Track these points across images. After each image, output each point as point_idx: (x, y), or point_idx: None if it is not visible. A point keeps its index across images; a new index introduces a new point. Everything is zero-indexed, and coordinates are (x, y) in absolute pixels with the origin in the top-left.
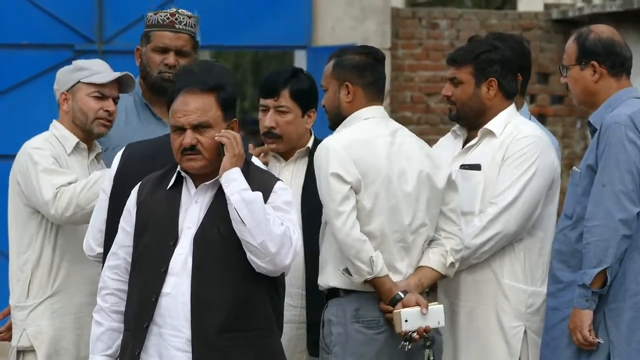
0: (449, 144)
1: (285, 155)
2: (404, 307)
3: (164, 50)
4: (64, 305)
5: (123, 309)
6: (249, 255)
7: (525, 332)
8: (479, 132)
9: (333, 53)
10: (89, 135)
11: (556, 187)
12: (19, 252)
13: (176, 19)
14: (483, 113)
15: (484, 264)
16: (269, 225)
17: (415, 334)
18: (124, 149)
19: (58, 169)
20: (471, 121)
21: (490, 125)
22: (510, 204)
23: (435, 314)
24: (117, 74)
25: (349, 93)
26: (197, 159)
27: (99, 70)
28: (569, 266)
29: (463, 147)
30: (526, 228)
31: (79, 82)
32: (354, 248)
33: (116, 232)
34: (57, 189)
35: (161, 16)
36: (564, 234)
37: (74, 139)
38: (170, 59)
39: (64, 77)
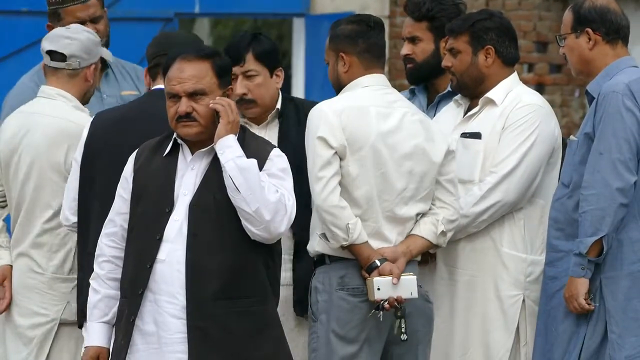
0: (451, 112)
1: (257, 120)
2: (379, 275)
3: (81, 23)
4: None
5: (119, 276)
6: (244, 223)
7: (523, 301)
8: (480, 101)
9: (331, 26)
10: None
11: (557, 156)
12: (57, 222)
13: None
14: (482, 81)
15: (483, 233)
16: (263, 193)
17: (386, 303)
18: (93, 117)
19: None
20: (471, 90)
21: (491, 94)
22: (509, 173)
23: (408, 285)
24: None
25: (345, 63)
26: (193, 125)
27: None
28: (566, 235)
29: (464, 116)
30: (526, 197)
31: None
32: (329, 213)
33: (87, 198)
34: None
35: None
36: (561, 203)
37: (86, 110)
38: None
39: (95, 48)
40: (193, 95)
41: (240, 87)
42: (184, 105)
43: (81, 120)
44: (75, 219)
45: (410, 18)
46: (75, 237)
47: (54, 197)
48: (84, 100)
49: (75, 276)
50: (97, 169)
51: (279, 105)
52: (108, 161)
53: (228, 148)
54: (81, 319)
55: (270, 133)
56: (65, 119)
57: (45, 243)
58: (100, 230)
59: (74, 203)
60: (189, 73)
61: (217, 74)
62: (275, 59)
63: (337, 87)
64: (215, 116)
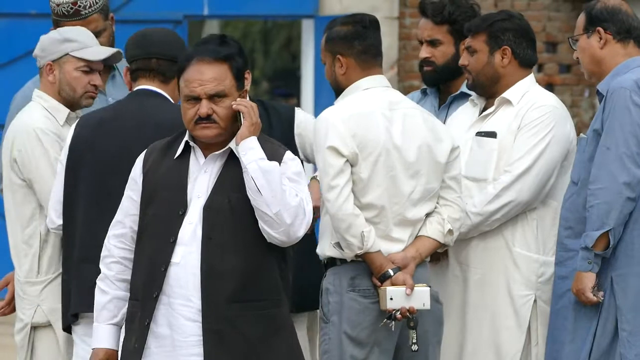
0: (467, 112)
1: None
2: (392, 284)
3: None
4: None
5: (128, 277)
6: (263, 225)
7: (535, 301)
8: (496, 101)
9: (326, 25)
10: (75, 107)
11: (571, 158)
12: (21, 225)
13: (79, 6)
14: (497, 81)
15: (496, 232)
16: (284, 196)
17: (398, 313)
18: (77, 120)
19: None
20: (487, 89)
21: (507, 94)
22: (524, 172)
23: (421, 296)
24: (109, 51)
25: (342, 65)
26: (212, 127)
27: (88, 44)
28: (576, 233)
29: (480, 115)
30: (540, 197)
31: (67, 54)
32: (345, 222)
33: (72, 201)
34: None
35: (64, 7)
36: (571, 201)
37: (65, 110)
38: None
39: (52, 46)
40: (213, 97)
41: None
42: (204, 107)
43: (23, 120)
44: (60, 221)
45: (429, 21)
46: (37, 239)
47: (11, 193)
48: (73, 103)
49: (43, 279)
50: (81, 171)
51: None
52: (93, 163)
53: (250, 150)
54: (67, 320)
55: None
56: (20, 118)
57: (15, 245)
58: (89, 230)
59: (58, 205)
60: (210, 75)
61: (235, 76)
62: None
63: (336, 88)
64: (236, 118)
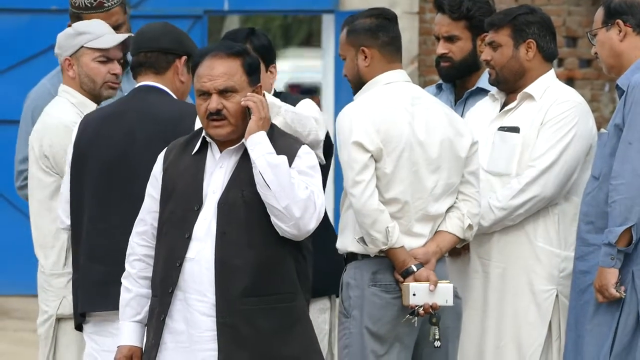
0: (487, 107)
1: None
2: (415, 280)
3: None
4: None
5: (151, 274)
6: (274, 219)
7: (557, 296)
8: (519, 96)
9: (345, 20)
10: (98, 99)
11: (593, 153)
12: (51, 218)
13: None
14: (522, 75)
15: (518, 226)
16: (293, 189)
17: (421, 309)
18: (81, 119)
19: None
20: (510, 84)
21: (529, 89)
22: (548, 167)
23: (444, 293)
24: (121, 37)
25: (366, 57)
26: (223, 125)
27: (100, 33)
28: (597, 228)
29: (501, 109)
30: (563, 192)
31: (82, 47)
32: (370, 217)
33: (78, 200)
34: None
35: None
36: (592, 196)
37: (92, 105)
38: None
39: (66, 41)
40: (223, 92)
41: None
42: (214, 102)
43: (54, 115)
44: (69, 221)
45: (446, 17)
46: (67, 234)
47: (39, 189)
48: (95, 95)
49: (69, 270)
50: (86, 169)
51: None
52: (97, 160)
53: (258, 144)
54: (77, 319)
55: None
56: (49, 114)
57: (38, 239)
58: (94, 228)
59: (67, 205)
60: (220, 70)
61: (247, 72)
62: (272, 55)
63: (357, 82)
64: (245, 113)
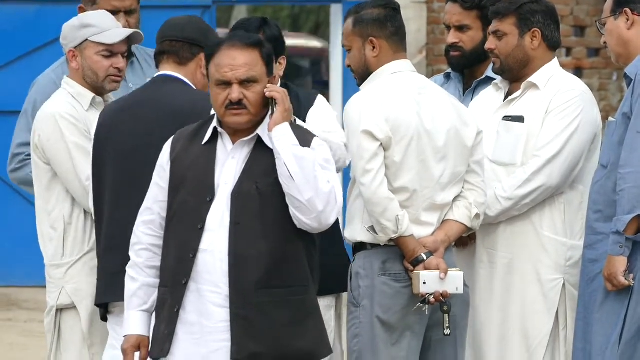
0: (490, 96)
1: None
2: (424, 269)
3: (113, 12)
4: None
5: (158, 264)
6: (294, 212)
7: (563, 285)
8: (523, 85)
9: (349, 11)
10: (101, 91)
11: (598, 142)
12: (47, 210)
13: None
14: (527, 64)
15: (523, 216)
16: (317, 183)
17: (431, 297)
18: (102, 109)
19: (86, 144)
20: (515, 73)
21: (533, 78)
22: (554, 157)
23: (454, 280)
24: (126, 33)
25: (374, 48)
26: (243, 113)
27: (106, 27)
28: (605, 217)
29: (505, 99)
30: (568, 181)
31: (86, 40)
32: (380, 206)
33: (99, 189)
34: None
35: None
36: (600, 185)
37: (89, 95)
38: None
39: (71, 33)
40: (245, 82)
41: None
42: (236, 92)
43: (49, 107)
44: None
45: (458, 6)
46: (62, 223)
47: (37, 180)
48: (97, 88)
49: (67, 260)
50: (106, 159)
51: None
52: (116, 150)
53: (284, 136)
54: (102, 311)
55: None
56: (45, 106)
57: (41, 230)
58: (112, 218)
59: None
60: (242, 61)
61: (265, 62)
62: (282, 46)
63: (363, 73)
64: (268, 104)
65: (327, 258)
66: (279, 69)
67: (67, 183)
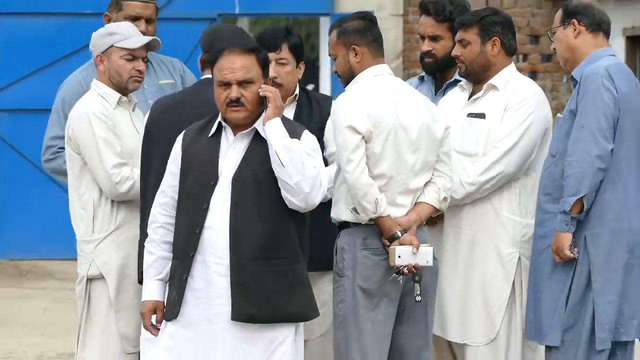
0: (457, 96)
1: None
2: (400, 244)
3: (136, 18)
4: (127, 237)
5: (171, 239)
6: (284, 194)
7: (519, 258)
8: (484, 86)
9: (333, 24)
10: (125, 91)
11: (548, 135)
12: (78, 194)
13: None
14: (488, 68)
15: (485, 199)
16: (304, 168)
17: (405, 268)
18: (153, 103)
19: (112, 138)
20: (478, 77)
21: (493, 80)
22: (510, 148)
23: (425, 254)
24: (146, 39)
25: (357, 54)
26: (241, 110)
27: (129, 35)
28: (553, 198)
29: (469, 98)
30: (523, 169)
31: (112, 46)
32: (362, 190)
33: (146, 175)
34: (117, 168)
35: None
36: (550, 171)
37: (116, 95)
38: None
39: (99, 40)
40: (242, 83)
41: (272, 70)
42: (234, 92)
43: (81, 105)
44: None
45: (431, 19)
46: (91, 205)
47: (70, 169)
48: (122, 88)
49: (96, 237)
50: (154, 148)
51: (297, 92)
52: (163, 141)
53: (275, 129)
54: (140, 276)
55: (287, 114)
56: (77, 105)
57: (74, 211)
58: (151, 204)
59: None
60: (240, 64)
61: (261, 66)
62: (302, 54)
63: (348, 76)
64: (262, 101)
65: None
66: (299, 72)
67: (94, 171)
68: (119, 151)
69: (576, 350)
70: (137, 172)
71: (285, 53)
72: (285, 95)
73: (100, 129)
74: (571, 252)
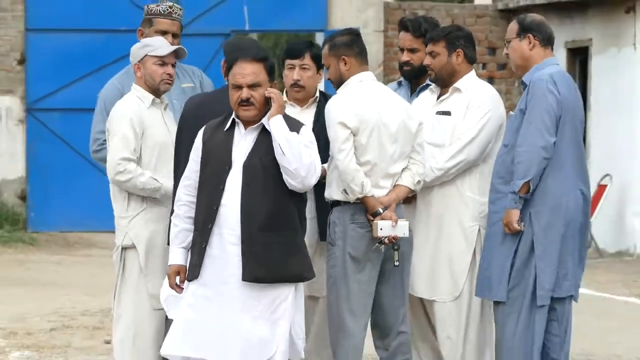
0: (428, 97)
1: (300, 102)
2: (381, 219)
3: (164, 33)
4: (153, 215)
5: (192, 215)
6: (285, 177)
7: (479, 230)
8: (450, 89)
9: (325, 39)
10: (158, 92)
11: (502, 130)
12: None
13: (172, 11)
14: (453, 75)
15: (451, 182)
16: (301, 157)
17: (386, 239)
18: (186, 101)
19: (131, 136)
20: (445, 82)
21: (458, 84)
22: (471, 140)
23: (402, 228)
24: (174, 47)
25: (346, 63)
26: (250, 109)
27: (160, 46)
28: (505, 181)
29: (438, 99)
30: (482, 157)
31: (146, 55)
32: (350, 175)
33: (178, 163)
34: (125, 160)
35: (162, 7)
36: (502, 159)
37: (150, 97)
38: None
39: (136, 52)
40: (252, 86)
41: (296, 74)
42: (245, 93)
43: (119, 105)
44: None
45: (409, 34)
46: (124, 186)
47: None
48: (155, 90)
49: (130, 214)
50: (184, 140)
51: (317, 95)
52: (192, 133)
53: (278, 124)
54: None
55: (308, 112)
56: (116, 105)
57: (113, 192)
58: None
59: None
60: (250, 70)
61: (267, 72)
62: (322, 63)
63: (338, 82)
64: (267, 101)
65: None
66: (319, 78)
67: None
68: (133, 149)
69: (521, 306)
70: (139, 171)
71: (307, 60)
72: (306, 97)
73: (125, 125)
74: (518, 225)
